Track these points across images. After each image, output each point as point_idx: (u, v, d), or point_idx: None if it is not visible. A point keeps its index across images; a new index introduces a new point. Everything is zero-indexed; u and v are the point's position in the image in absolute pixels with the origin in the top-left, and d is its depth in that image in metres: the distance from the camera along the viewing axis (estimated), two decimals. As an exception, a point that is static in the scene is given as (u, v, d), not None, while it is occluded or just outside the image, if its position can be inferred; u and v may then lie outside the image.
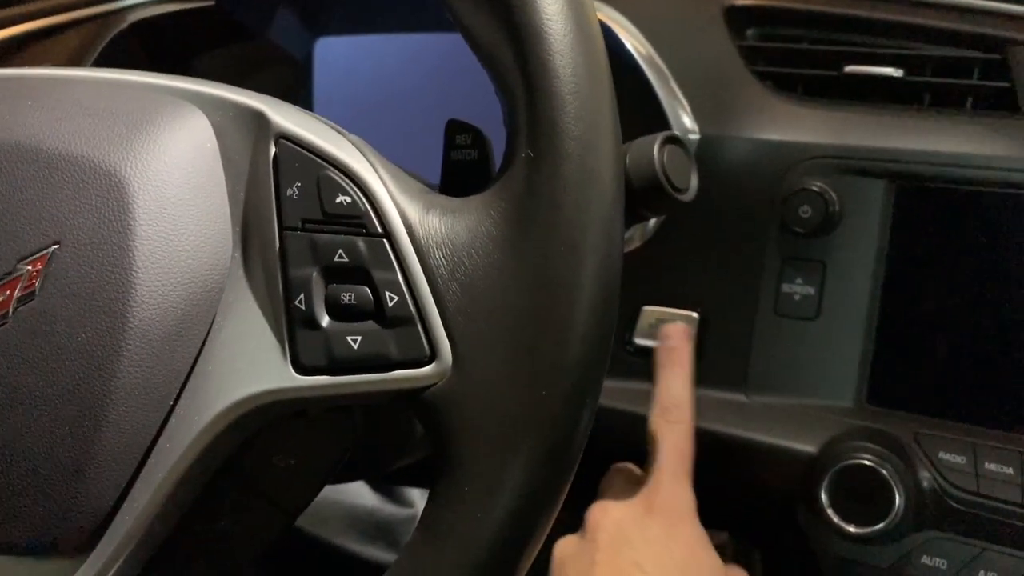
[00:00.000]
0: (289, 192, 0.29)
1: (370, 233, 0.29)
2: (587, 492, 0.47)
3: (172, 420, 0.28)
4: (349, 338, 0.28)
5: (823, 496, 0.46)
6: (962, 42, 0.48)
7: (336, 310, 0.29)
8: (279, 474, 0.33)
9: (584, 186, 0.28)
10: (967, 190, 0.46)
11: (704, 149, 0.51)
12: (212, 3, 0.65)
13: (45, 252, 0.29)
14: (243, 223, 0.30)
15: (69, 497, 0.28)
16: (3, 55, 0.64)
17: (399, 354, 0.28)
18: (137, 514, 0.28)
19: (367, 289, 0.29)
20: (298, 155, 0.29)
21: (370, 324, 0.28)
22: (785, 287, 0.49)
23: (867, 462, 0.45)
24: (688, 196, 0.40)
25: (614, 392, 0.51)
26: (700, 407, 0.51)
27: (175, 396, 0.29)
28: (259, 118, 0.30)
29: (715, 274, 0.51)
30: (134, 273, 0.28)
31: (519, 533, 0.29)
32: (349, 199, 0.29)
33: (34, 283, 0.28)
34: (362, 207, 0.29)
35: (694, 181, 0.41)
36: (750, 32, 0.53)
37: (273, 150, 0.30)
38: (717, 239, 0.51)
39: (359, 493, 0.79)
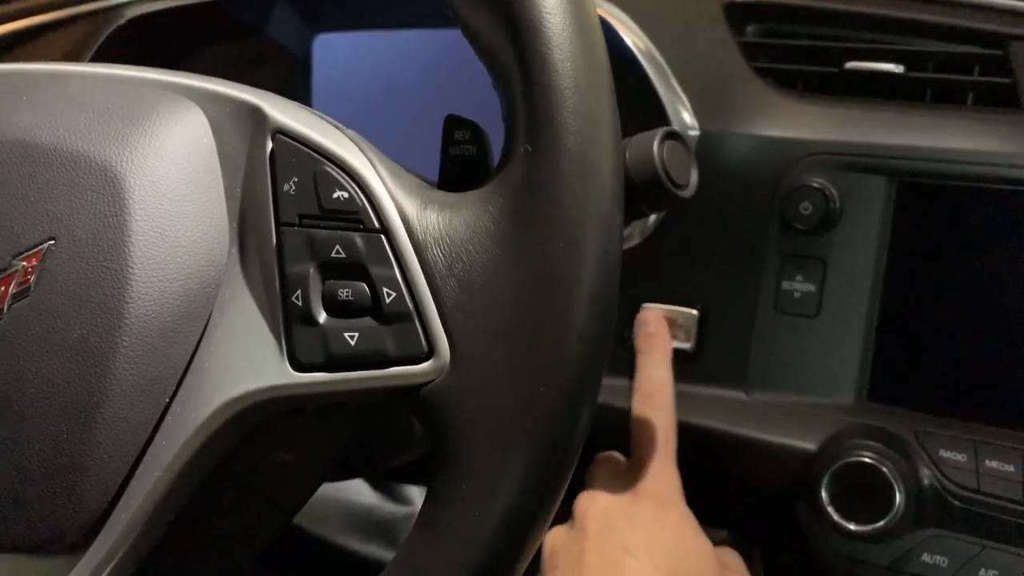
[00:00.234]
0: (286, 187, 0.29)
1: (367, 229, 0.29)
2: (577, 484, 0.47)
3: (168, 417, 0.28)
4: (346, 334, 0.28)
5: (823, 494, 0.46)
6: (963, 38, 0.48)
7: (333, 306, 0.28)
8: (276, 471, 0.33)
9: (583, 181, 0.28)
10: (968, 186, 0.45)
11: (704, 146, 0.51)
12: (210, -1, 0.65)
13: (40, 248, 0.28)
14: (240, 219, 0.30)
15: (65, 494, 0.28)
16: (0, 51, 0.64)
17: (397, 350, 0.28)
18: (133, 512, 0.28)
19: (364, 285, 0.28)
20: (295, 150, 0.29)
21: (367, 320, 0.28)
22: (785, 284, 0.49)
23: (867, 459, 0.45)
24: (688, 192, 0.40)
25: (613, 389, 0.51)
26: (700, 404, 0.51)
27: (171, 393, 0.28)
28: (256, 113, 0.30)
29: (715, 271, 0.51)
30: (130, 269, 0.28)
31: (518, 531, 0.28)
32: (346, 194, 0.29)
33: (29, 279, 0.28)
34: (359, 202, 0.29)
35: (694, 177, 0.41)
36: (750, 28, 0.53)
37: (270, 145, 0.30)
38: (717, 236, 0.51)
39: (358, 491, 0.79)
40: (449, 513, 0.28)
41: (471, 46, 0.31)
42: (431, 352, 0.28)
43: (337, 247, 0.28)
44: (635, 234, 0.53)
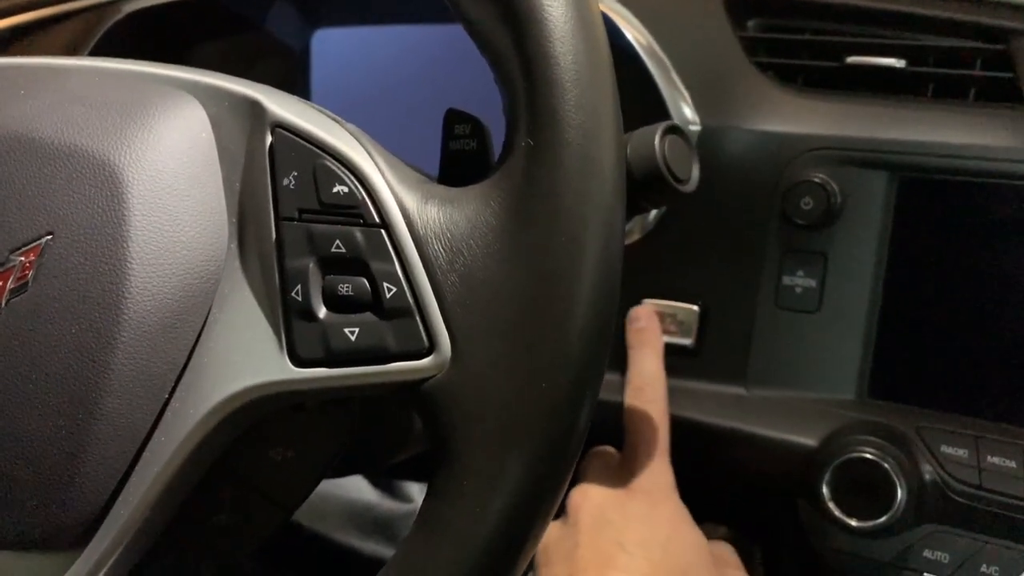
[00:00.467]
0: (286, 182, 0.29)
1: (367, 223, 0.28)
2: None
3: (167, 413, 0.28)
4: (346, 330, 0.28)
5: (824, 490, 0.46)
6: (965, 33, 0.47)
7: (333, 301, 0.28)
8: (276, 468, 0.33)
9: (585, 176, 0.28)
10: (969, 181, 0.45)
11: (705, 141, 0.50)
12: (209, -6, 0.64)
13: (38, 243, 0.28)
14: (239, 213, 0.29)
15: (63, 491, 0.28)
16: (-2, 46, 0.64)
17: (397, 346, 0.28)
18: (132, 508, 0.28)
19: (365, 280, 0.28)
20: (295, 144, 0.29)
21: (368, 316, 0.28)
22: (786, 280, 0.49)
23: (869, 455, 0.45)
24: (690, 187, 0.40)
25: (613, 385, 0.51)
26: (701, 400, 0.51)
27: (170, 389, 0.28)
28: (255, 107, 0.30)
29: (716, 267, 0.51)
30: (128, 264, 0.28)
31: (518, 528, 0.28)
32: (346, 189, 0.28)
33: (27, 274, 0.28)
34: (359, 197, 0.28)
35: (696, 172, 0.40)
36: (751, 23, 0.52)
37: (269, 139, 0.29)
38: (718, 231, 0.51)
39: (358, 488, 0.79)
40: (449, 510, 0.28)
41: (472, 40, 0.31)
42: (432, 348, 0.28)
43: (337, 242, 0.28)
44: (636, 229, 0.53)
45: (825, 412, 0.48)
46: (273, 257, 0.29)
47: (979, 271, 0.45)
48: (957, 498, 0.44)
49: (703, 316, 0.51)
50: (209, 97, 0.31)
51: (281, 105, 0.30)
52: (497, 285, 0.28)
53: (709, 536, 0.47)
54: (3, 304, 0.28)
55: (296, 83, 0.69)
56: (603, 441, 0.50)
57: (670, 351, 0.51)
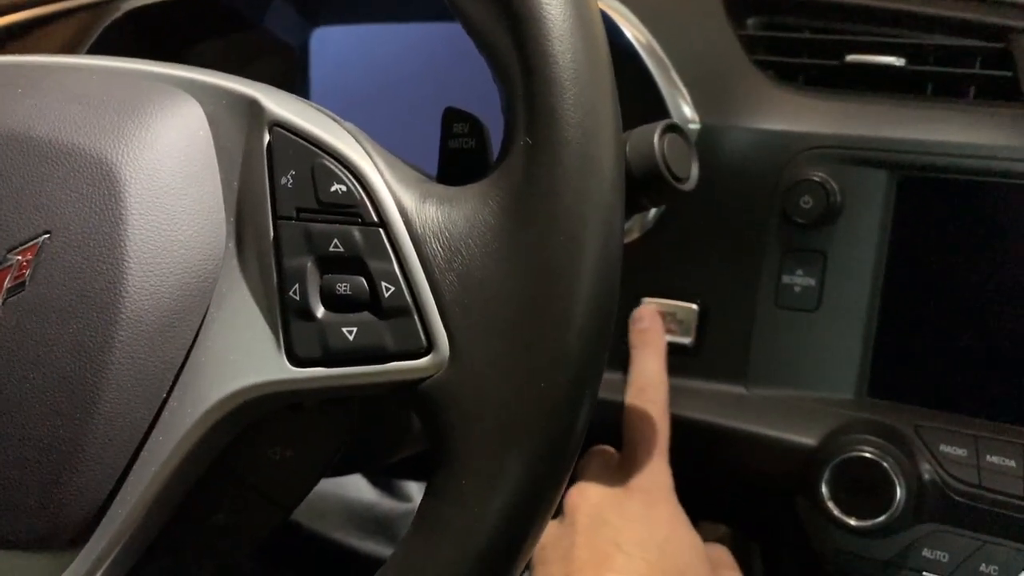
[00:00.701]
0: (283, 181, 0.29)
1: (365, 222, 0.28)
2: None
3: (165, 413, 0.28)
4: (344, 329, 0.28)
5: (824, 489, 0.46)
6: (965, 31, 0.47)
7: (331, 301, 0.28)
8: (274, 467, 0.33)
9: (584, 174, 0.28)
10: (969, 180, 0.45)
11: (704, 139, 0.50)
12: (207, -8, 0.64)
13: (35, 242, 0.28)
14: (237, 212, 0.29)
15: (61, 490, 0.28)
16: (-4, 45, 0.64)
17: (395, 345, 0.28)
18: (130, 508, 0.28)
19: (363, 279, 0.28)
20: (292, 143, 0.29)
21: (366, 315, 0.28)
22: (786, 278, 0.49)
23: (868, 454, 0.45)
24: (689, 186, 0.40)
25: (613, 384, 0.51)
26: (700, 399, 0.50)
27: (168, 388, 0.28)
28: (253, 106, 0.30)
29: (715, 265, 0.51)
30: (126, 263, 0.28)
31: (517, 527, 0.28)
32: (344, 188, 0.28)
33: (24, 273, 0.28)
34: (357, 196, 0.28)
35: (695, 170, 0.40)
36: (751, 21, 0.52)
37: (267, 138, 0.29)
38: (717, 230, 0.51)
39: (358, 487, 0.79)
40: (448, 509, 0.28)
41: (470, 38, 0.31)
42: (430, 347, 0.28)
43: (335, 241, 0.28)
44: (635, 228, 0.53)
45: (824, 411, 0.48)
46: (271, 256, 0.28)
47: (979, 270, 0.45)
48: (956, 497, 0.44)
49: (702, 315, 0.51)
50: (207, 96, 0.31)
51: (279, 104, 0.30)
52: (496, 284, 0.28)
53: (708, 535, 0.47)
54: (0, 303, 0.28)
55: (295, 81, 0.69)
56: (603, 441, 0.50)
57: (669, 350, 0.50)
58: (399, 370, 0.28)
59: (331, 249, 0.28)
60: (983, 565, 0.44)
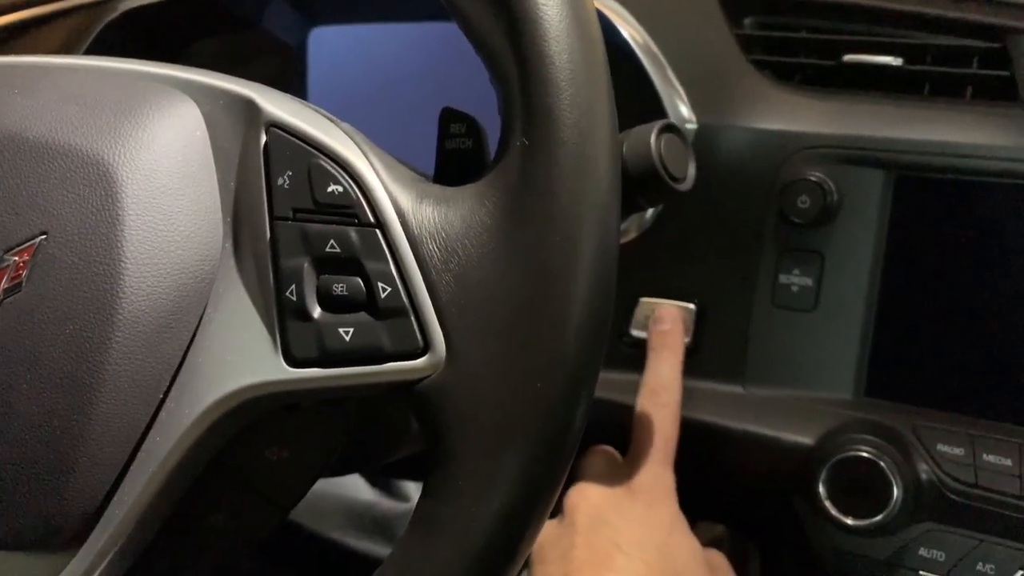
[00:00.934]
0: (280, 181, 0.29)
1: (362, 223, 0.28)
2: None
3: (162, 413, 0.28)
4: (341, 330, 0.28)
5: (821, 488, 0.46)
6: (962, 31, 0.47)
7: (328, 301, 0.28)
8: (271, 468, 0.33)
9: (580, 175, 0.28)
10: (967, 180, 0.45)
11: (701, 139, 0.50)
12: (205, -9, 0.64)
13: (32, 243, 0.28)
14: (234, 213, 0.29)
15: (58, 491, 0.28)
16: (-7, 45, 0.63)
17: (392, 346, 0.28)
18: (127, 509, 0.28)
19: (359, 280, 0.28)
20: (289, 144, 0.29)
21: (362, 315, 0.28)
22: (783, 278, 0.49)
23: (865, 454, 0.45)
24: (685, 185, 0.40)
25: (611, 384, 0.51)
26: (697, 399, 0.50)
27: (165, 389, 0.28)
28: (250, 106, 0.30)
29: (712, 265, 0.51)
30: (123, 264, 0.28)
31: (514, 527, 0.28)
32: (341, 188, 0.28)
33: (21, 274, 0.28)
34: (354, 196, 0.28)
35: (692, 170, 0.40)
36: (748, 21, 0.52)
37: (264, 139, 0.29)
38: (714, 230, 0.51)
39: (357, 487, 0.79)
40: (445, 510, 0.28)
41: (467, 38, 0.31)
42: (427, 348, 0.28)
43: (331, 241, 0.28)
44: (632, 228, 0.53)
45: (821, 411, 0.48)
46: (267, 257, 0.28)
47: (975, 269, 0.45)
48: (953, 496, 0.44)
49: (700, 315, 0.51)
50: (204, 96, 0.31)
51: (276, 104, 0.30)
52: (492, 285, 0.28)
53: (705, 535, 0.47)
54: (-3, 304, 0.28)
55: (293, 81, 0.69)
56: (611, 441, 0.50)
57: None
58: (396, 371, 0.28)
59: (328, 250, 0.28)
60: (980, 564, 0.44)
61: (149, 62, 0.33)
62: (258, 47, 0.69)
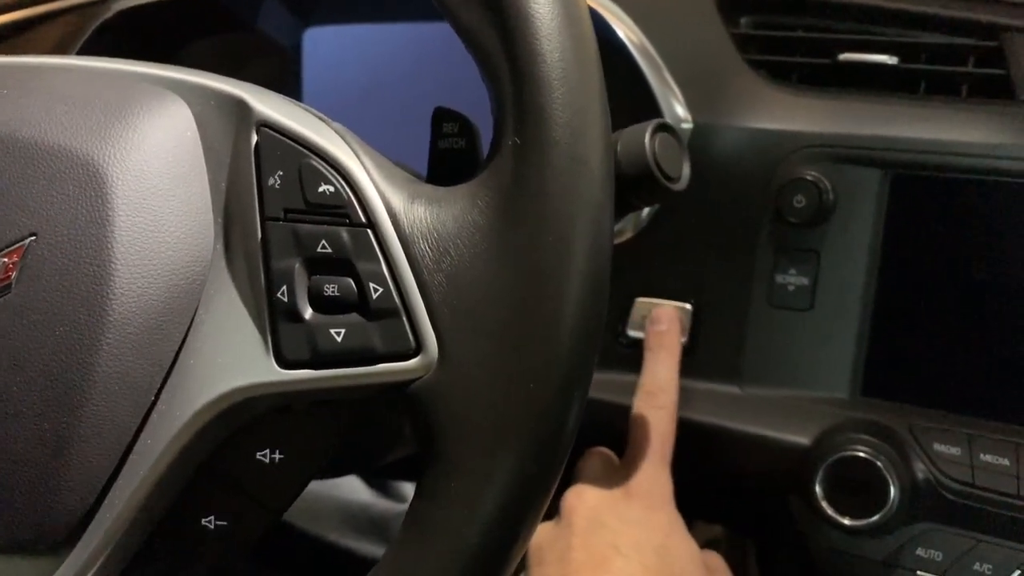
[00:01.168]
0: (271, 181, 0.28)
1: (353, 223, 0.28)
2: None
3: (153, 416, 0.28)
4: (332, 331, 0.28)
5: (817, 488, 0.46)
6: (957, 29, 0.47)
7: (319, 302, 0.28)
8: (263, 470, 0.32)
9: (572, 174, 0.27)
10: (962, 178, 0.45)
11: (697, 138, 0.50)
12: (199, -8, 0.64)
13: (21, 244, 0.28)
14: (225, 213, 0.29)
15: (48, 494, 0.27)
16: (-14, 45, 0.63)
17: (384, 347, 0.28)
18: (118, 512, 0.28)
19: (351, 280, 0.28)
20: (280, 144, 0.29)
21: (354, 316, 0.28)
22: (779, 278, 0.49)
23: (862, 454, 0.45)
24: (680, 185, 0.39)
25: (606, 384, 0.51)
26: (694, 399, 0.50)
27: (156, 391, 0.28)
28: (240, 106, 0.30)
29: (708, 265, 0.51)
30: (113, 265, 0.28)
31: (508, 528, 0.28)
32: (332, 188, 0.28)
33: (10, 275, 0.28)
34: (345, 196, 0.28)
35: (686, 170, 0.40)
36: (743, 20, 0.52)
37: (255, 139, 0.29)
38: (710, 229, 0.51)
39: (353, 488, 0.79)
40: (438, 511, 0.28)
41: (459, 38, 0.31)
42: (419, 348, 0.28)
43: (323, 242, 0.28)
44: (628, 228, 0.53)
45: (818, 410, 0.48)
46: (259, 257, 0.28)
47: (972, 268, 0.45)
48: (950, 496, 0.44)
49: (696, 315, 0.51)
50: (194, 96, 0.30)
51: (267, 104, 0.30)
52: (484, 285, 0.27)
53: (702, 535, 0.47)
54: (-14, 306, 0.28)
55: (287, 81, 0.69)
56: (607, 442, 0.50)
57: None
58: (388, 371, 0.28)
59: (319, 250, 0.28)
60: (977, 564, 0.44)
61: (140, 62, 0.33)
62: (252, 47, 0.69)
